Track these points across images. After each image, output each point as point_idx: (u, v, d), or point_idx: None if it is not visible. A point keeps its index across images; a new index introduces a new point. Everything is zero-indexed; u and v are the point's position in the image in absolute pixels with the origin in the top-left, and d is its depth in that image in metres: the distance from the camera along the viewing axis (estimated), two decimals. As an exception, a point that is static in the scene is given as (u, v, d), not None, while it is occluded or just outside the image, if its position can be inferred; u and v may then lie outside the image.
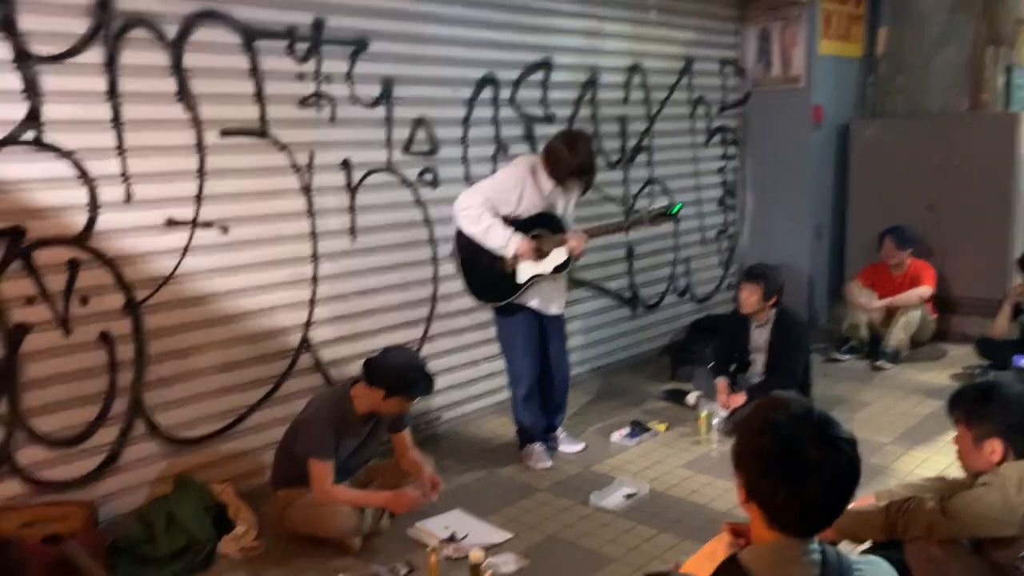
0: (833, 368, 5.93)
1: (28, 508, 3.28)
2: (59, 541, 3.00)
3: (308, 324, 4.23)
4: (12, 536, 3.01)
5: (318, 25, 4.07)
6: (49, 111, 3.27)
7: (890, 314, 6.10)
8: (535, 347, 4.32)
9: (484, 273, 4.18)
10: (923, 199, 6.49)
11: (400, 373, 3.50)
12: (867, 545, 2.81)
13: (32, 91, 3.22)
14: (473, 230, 4.06)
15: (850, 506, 2.77)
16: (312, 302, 4.23)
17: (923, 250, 6.33)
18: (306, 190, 4.13)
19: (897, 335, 5.95)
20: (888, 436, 4.65)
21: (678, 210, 4.26)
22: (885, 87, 7.21)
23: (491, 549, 3.44)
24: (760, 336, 4.89)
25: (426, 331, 4.80)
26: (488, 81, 4.91)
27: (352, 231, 4.36)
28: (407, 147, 4.56)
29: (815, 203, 6.83)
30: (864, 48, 7.13)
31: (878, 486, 3.78)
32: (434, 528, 3.65)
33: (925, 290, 6.04)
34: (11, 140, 3.20)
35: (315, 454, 3.46)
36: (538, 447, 4.40)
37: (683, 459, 4.43)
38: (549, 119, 5.29)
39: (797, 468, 1.53)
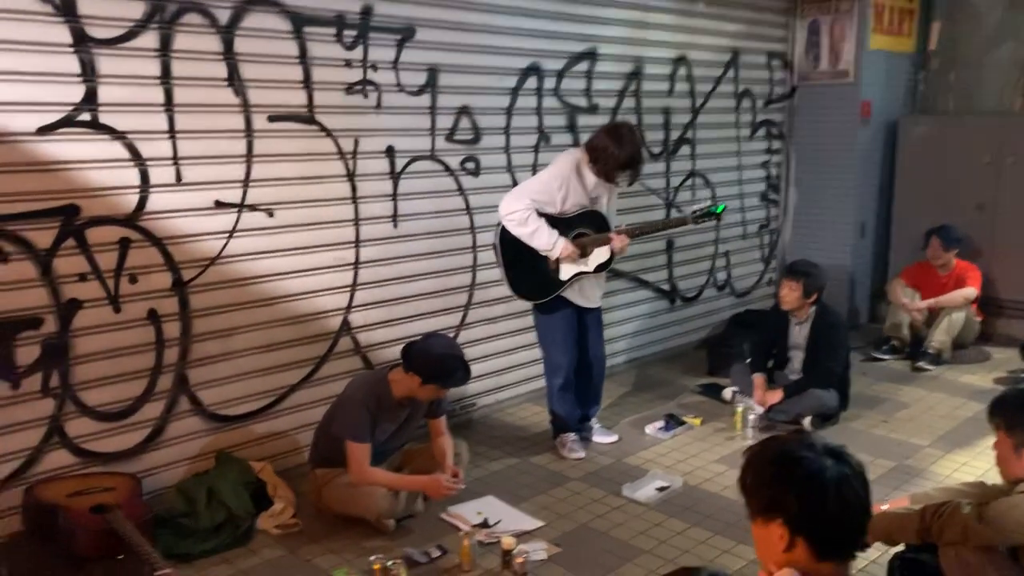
0: (872, 368, 5.86)
1: (77, 478, 3.39)
2: (106, 511, 3.12)
3: (349, 308, 4.29)
4: (61, 504, 3.13)
5: (366, 12, 4.11)
6: (104, 93, 3.35)
7: (933, 315, 6.02)
8: (573, 339, 4.34)
9: (527, 271, 4.20)
10: (972, 199, 6.38)
11: (438, 361, 3.54)
12: (901, 547, 2.80)
13: (89, 74, 3.31)
14: (519, 232, 4.09)
15: (885, 508, 2.79)
16: (353, 286, 4.29)
17: (970, 251, 6.22)
18: (350, 176, 4.19)
19: (939, 337, 5.86)
20: (927, 439, 4.59)
21: (722, 210, 4.25)
22: (937, 84, 7.08)
23: (522, 536, 3.49)
24: (799, 333, 4.86)
25: (464, 318, 4.84)
26: (532, 70, 4.91)
27: (394, 217, 4.41)
28: (450, 135, 4.59)
29: (860, 200, 6.74)
30: (916, 43, 7.00)
31: (914, 489, 3.76)
32: (466, 513, 3.70)
33: (971, 291, 5.94)
34: (68, 121, 3.28)
35: (351, 436, 3.52)
36: (572, 437, 4.43)
37: (717, 454, 4.42)
38: (593, 109, 5.29)
39: (831, 483, 1.59)
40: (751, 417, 4.63)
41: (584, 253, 4.18)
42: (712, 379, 5.55)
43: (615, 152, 4.01)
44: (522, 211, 4.05)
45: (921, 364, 5.81)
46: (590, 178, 4.15)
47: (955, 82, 6.99)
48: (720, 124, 6.28)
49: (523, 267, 4.20)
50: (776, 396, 4.70)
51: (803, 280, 4.72)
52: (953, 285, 5.99)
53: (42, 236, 3.28)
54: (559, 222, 4.13)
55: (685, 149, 6.05)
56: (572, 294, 4.27)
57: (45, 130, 3.23)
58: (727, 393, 5.13)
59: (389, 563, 3.03)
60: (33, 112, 3.20)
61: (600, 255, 4.21)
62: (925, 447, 4.48)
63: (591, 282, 4.31)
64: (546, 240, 4.07)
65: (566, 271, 4.20)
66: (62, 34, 3.23)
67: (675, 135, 5.94)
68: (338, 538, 3.52)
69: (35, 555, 3.08)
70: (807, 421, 4.68)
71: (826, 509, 1.59)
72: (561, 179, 4.11)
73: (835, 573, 1.63)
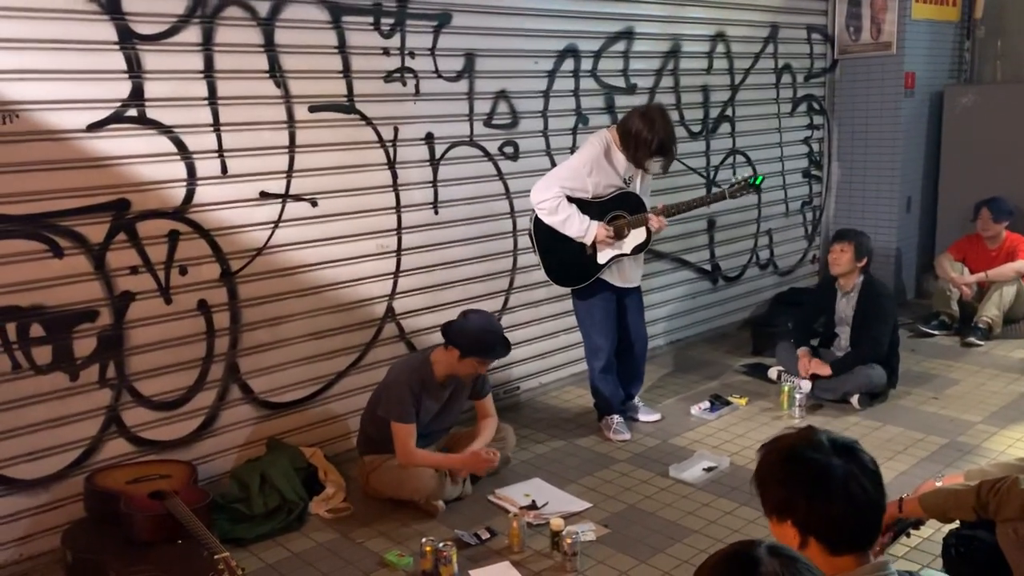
0: (921, 344, 5.77)
1: (135, 466, 3.48)
2: (163, 497, 3.20)
3: (392, 294, 4.33)
4: (121, 491, 3.22)
5: (403, 0, 4.12)
6: (150, 89, 3.41)
7: (983, 289, 5.91)
8: (612, 321, 4.34)
9: (564, 258, 4.19)
10: (1021, 169, 6.22)
11: (476, 335, 3.59)
12: (956, 525, 2.77)
13: (135, 70, 3.36)
14: (551, 221, 4.08)
15: (939, 484, 2.75)
16: (396, 273, 4.33)
17: (1020, 223, 6.08)
18: (391, 164, 4.21)
19: (989, 311, 5.75)
20: (978, 415, 4.52)
21: (760, 181, 4.20)
22: (983, 52, 6.90)
23: (571, 517, 3.51)
24: (846, 306, 4.81)
25: (505, 302, 4.86)
26: (569, 52, 4.89)
27: (435, 204, 4.44)
28: (488, 120, 4.60)
29: (905, 174, 6.60)
30: (961, 11, 6.83)
31: (966, 466, 3.70)
32: (514, 495, 3.73)
33: (1022, 264, 5.81)
34: (116, 118, 3.34)
35: (396, 417, 3.58)
36: (616, 419, 4.43)
37: (764, 434, 4.39)
38: (631, 90, 5.25)
39: (838, 484, 1.60)
40: (798, 396, 4.59)
41: (620, 236, 4.16)
42: (757, 359, 5.52)
43: (647, 137, 3.96)
44: (552, 199, 4.04)
45: (971, 339, 5.70)
46: (621, 159, 4.11)
47: (1002, 50, 6.81)
48: (760, 100, 6.20)
49: (559, 254, 4.19)
50: (823, 368, 4.65)
51: (853, 242, 4.67)
52: (1003, 258, 5.87)
53: (95, 231, 3.35)
54: (593, 206, 4.11)
55: (725, 127, 5.98)
56: (611, 276, 4.26)
57: (95, 127, 3.29)
58: (773, 372, 5.10)
59: (440, 544, 3.07)
60: (82, 109, 3.26)
61: (637, 237, 4.18)
62: (977, 423, 4.41)
63: (629, 263, 4.29)
64: (578, 227, 4.06)
65: (603, 255, 4.19)
66: (108, 31, 3.28)
67: (714, 113, 5.88)
68: (388, 521, 3.58)
69: (97, 540, 3.17)
70: (855, 399, 4.63)
71: (833, 511, 1.59)
72: (591, 163, 4.08)
73: (855, 561, 1.63)
